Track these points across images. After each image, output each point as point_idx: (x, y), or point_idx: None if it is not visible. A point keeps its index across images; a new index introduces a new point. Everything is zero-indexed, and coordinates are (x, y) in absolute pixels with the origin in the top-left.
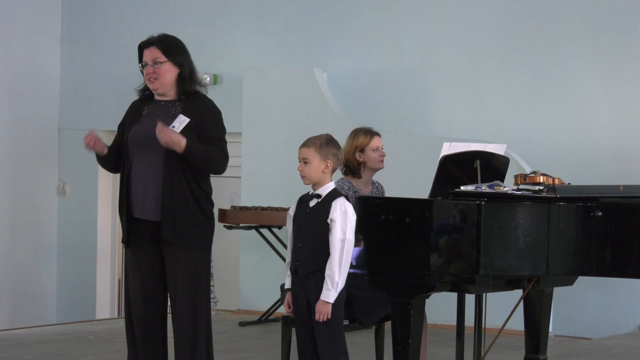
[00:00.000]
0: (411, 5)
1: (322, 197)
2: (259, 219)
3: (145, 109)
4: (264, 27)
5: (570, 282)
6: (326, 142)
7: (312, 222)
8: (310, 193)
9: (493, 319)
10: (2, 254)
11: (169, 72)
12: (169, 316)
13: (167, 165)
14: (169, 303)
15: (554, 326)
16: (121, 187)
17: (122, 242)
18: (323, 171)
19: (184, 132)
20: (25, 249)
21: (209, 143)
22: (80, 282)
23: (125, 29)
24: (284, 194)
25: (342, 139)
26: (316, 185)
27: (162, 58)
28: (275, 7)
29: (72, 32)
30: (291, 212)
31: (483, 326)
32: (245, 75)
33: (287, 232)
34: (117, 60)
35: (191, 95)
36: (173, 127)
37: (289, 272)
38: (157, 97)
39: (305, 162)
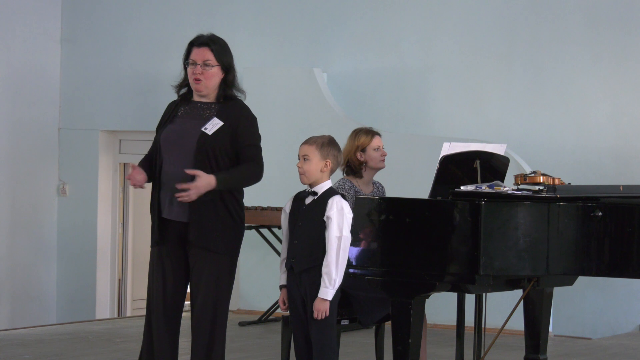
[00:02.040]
0: (411, 5)
1: (319, 194)
2: (259, 219)
3: (181, 109)
4: (264, 27)
5: (570, 282)
6: (328, 143)
7: (308, 219)
8: (306, 190)
9: (493, 318)
10: (2, 254)
11: (216, 76)
12: (183, 315)
13: (196, 166)
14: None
15: (554, 326)
16: (153, 187)
17: (152, 241)
18: (322, 170)
19: (216, 134)
20: (25, 248)
21: (243, 150)
22: (80, 282)
23: (125, 29)
24: (284, 194)
25: (342, 139)
26: (313, 183)
27: (214, 62)
28: (275, 7)
29: (72, 33)
30: (287, 208)
31: (483, 326)
32: (245, 75)
33: (282, 229)
34: (117, 60)
35: (229, 100)
36: (205, 129)
37: (283, 269)
38: (195, 98)
39: (305, 159)
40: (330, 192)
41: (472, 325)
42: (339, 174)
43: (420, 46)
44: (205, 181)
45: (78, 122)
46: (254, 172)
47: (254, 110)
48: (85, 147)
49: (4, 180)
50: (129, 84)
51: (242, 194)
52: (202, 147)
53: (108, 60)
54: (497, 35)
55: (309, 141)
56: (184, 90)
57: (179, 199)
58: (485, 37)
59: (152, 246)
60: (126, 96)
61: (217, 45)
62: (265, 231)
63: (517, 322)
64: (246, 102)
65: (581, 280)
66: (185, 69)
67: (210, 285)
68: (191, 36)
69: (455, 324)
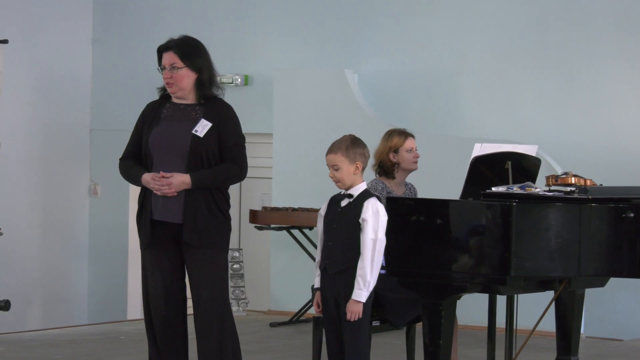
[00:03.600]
0: (442, 6)
1: (354, 197)
2: (290, 220)
3: (163, 111)
4: (295, 28)
5: (601, 284)
6: (351, 144)
7: (343, 221)
8: (342, 193)
9: (524, 320)
10: (34, 255)
11: (186, 78)
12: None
13: (189, 169)
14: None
15: (586, 327)
16: (144, 189)
17: (143, 244)
18: (354, 173)
19: (207, 135)
20: (56, 249)
21: (228, 150)
22: (111, 283)
23: (156, 30)
24: (314, 195)
25: (373, 140)
26: (349, 186)
27: (180, 64)
28: (306, 8)
29: (104, 33)
30: (322, 212)
31: (514, 327)
32: (276, 76)
33: (317, 232)
34: (148, 61)
35: (210, 100)
36: (196, 131)
37: (318, 272)
38: (175, 100)
39: (335, 169)
40: (365, 195)
41: (504, 326)
42: (371, 174)
43: (451, 47)
44: (179, 179)
45: (109, 122)
46: (233, 173)
47: (285, 111)
48: (116, 148)
49: (36, 181)
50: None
51: (228, 193)
52: (195, 149)
53: (139, 60)
54: (528, 35)
55: (333, 149)
56: (166, 92)
57: (155, 191)
58: (516, 38)
59: (143, 249)
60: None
61: (182, 48)
62: (296, 232)
63: (549, 324)
64: (277, 103)
65: (613, 281)
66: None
67: (213, 282)
68: (222, 37)
69: (486, 325)
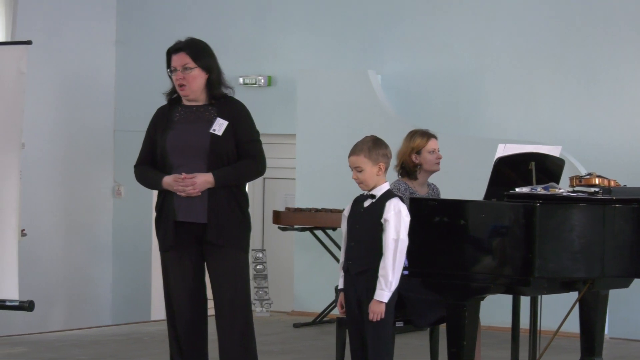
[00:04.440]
0: (464, 6)
1: (377, 197)
2: (313, 221)
3: (175, 114)
4: (318, 29)
5: (625, 285)
6: (373, 145)
7: (365, 221)
8: (365, 194)
9: (548, 321)
10: (58, 255)
11: (199, 78)
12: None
13: (210, 168)
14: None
15: (610, 328)
16: (164, 192)
17: (164, 246)
18: (377, 174)
19: (225, 134)
20: (80, 250)
21: (245, 146)
22: (135, 283)
23: (179, 31)
24: (338, 196)
25: (396, 141)
26: (372, 187)
27: (192, 64)
28: (329, 9)
29: (127, 35)
30: (345, 213)
31: (538, 328)
32: (300, 77)
33: (341, 233)
34: None
35: (221, 99)
36: (214, 130)
37: (342, 272)
38: (186, 102)
39: (358, 170)
40: (388, 195)
41: (527, 327)
42: (394, 174)
43: (474, 47)
44: (202, 178)
45: (133, 123)
46: (253, 169)
47: (309, 112)
48: (139, 149)
49: (60, 181)
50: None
51: (247, 192)
52: (216, 148)
53: (162, 61)
54: (550, 36)
55: (355, 151)
56: (174, 96)
57: (179, 193)
58: (539, 38)
59: (164, 251)
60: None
61: (193, 48)
62: (319, 233)
63: (573, 325)
64: (300, 104)
65: (637, 282)
66: (170, 77)
67: (235, 281)
68: (245, 38)
69: (510, 326)
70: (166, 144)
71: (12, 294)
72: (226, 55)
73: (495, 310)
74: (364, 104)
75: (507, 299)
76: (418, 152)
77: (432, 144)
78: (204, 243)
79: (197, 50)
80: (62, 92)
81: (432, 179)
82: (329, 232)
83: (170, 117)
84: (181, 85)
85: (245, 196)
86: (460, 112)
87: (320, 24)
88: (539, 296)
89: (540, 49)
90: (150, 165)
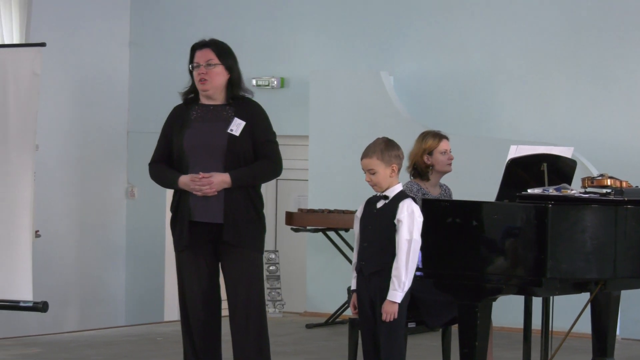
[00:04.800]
0: (477, 7)
1: (390, 198)
2: (326, 222)
3: (193, 113)
4: (331, 31)
5: (637, 285)
6: (385, 147)
7: (378, 222)
8: (377, 195)
9: (560, 321)
10: (72, 256)
11: (221, 76)
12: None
13: (227, 168)
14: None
15: (621, 329)
16: (179, 192)
17: (180, 246)
18: (390, 175)
19: (242, 134)
20: (94, 251)
21: (262, 147)
22: (148, 284)
23: (192, 32)
24: (350, 197)
25: (408, 142)
26: (385, 188)
27: (216, 60)
28: (341, 10)
29: (140, 36)
30: (358, 214)
31: (550, 329)
32: (312, 78)
33: (353, 234)
34: (184, 64)
35: (239, 99)
36: (231, 130)
37: (354, 273)
38: (204, 101)
39: (372, 173)
40: (401, 196)
41: (539, 328)
42: (406, 175)
43: (487, 48)
44: (219, 178)
45: (146, 125)
46: (270, 169)
47: (321, 113)
48: (153, 151)
49: (74, 182)
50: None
51: (261, 193)
52: (233, 148)
53: (176, 63)
54: (563, 36)
55: (367, 154)
56: (191, 96)
57: (195, 192)
58: (552, 39)
59: (179, 251)
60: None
61: (218, 46)
62: (332, 234)
63: (585, 325)
64: (313, 105)
65: None
66: (191, 74)
67: (251, 282)
68: (258, 40)
69: (522, 326)
70: (183, 143)
71: (26, 295)
72: (239, 57)
73: (507, 310)
74: (377, 105)
75: (519, 299)
76: (430, 153)
77: (444, 145)
78: (220, 243)
79: (222, 49)
80: (76, 93)
81: (444, 180)
82: (342, 233)
83: (187, 115)
84: (202, 80)
85: (260, 197)
86: (473, 113)
87: (333, 25)
88: (551, 297)
89: (554, 50)
90: (166, 163)
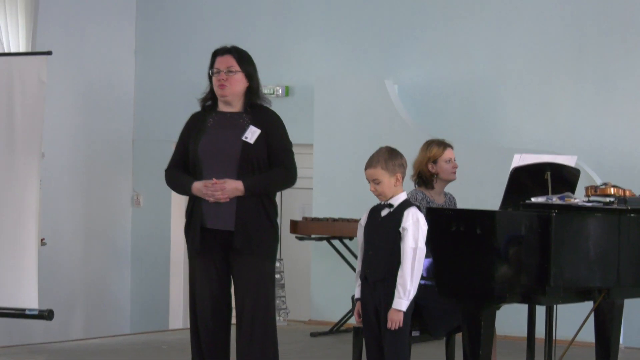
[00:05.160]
0: (481, 16)
1: (394, 206)
2: (330, 230)
3: (209, 120)
4: (335, 39)
5: None
6: (389, 156)
7: (383, 230)
8: (382, 203)
9: (564, 330)
10: (77, 264)
11: (240, 83)
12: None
13: (240, 175)
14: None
15: (625, 338)
16: (194, 198)
17: (192, 252)
18: (395, 184)
19: (257, 142)
20: (99, 258)
21: (277, 155)
22: (153, 292)
23: (197, 40)
24: (355, 205)
25: (412, 150)
26: (390, 197)
27: (236, 67)
28: (346, 19)
29: (146, 44)
30: (362, 222)
31: (554, 337)
32: (317, 85)
33: (358, 243)
34: (190, 72)
35: (256, 108)
36: (246, 137)
37: (358, 282)
38: (222, 108)
39: (376, 182)
40: (406, 204)
41: (543, 336)
42: (410, 184)
43: (490, 57)
44: (232, 185)
45: (152, 133)
46: (284, 177)
47: (326, 121)
48: (159, 158)
49: (80, 190)
50: (201, 95)
51: (276, 201)
52: (247, 156)
53: (181, 71)
54: (567, 45)
55: (372, 164)
56: (209, 103)
57: (207, 198)
58: (556, 47)
59: (192, 257)
60: (198, 107)
61: (239, 53)
62: (336, 242)
63: (588, 334)
64: (317, 113)
65: None
66: (210, 79)
67: (259, 289)
68: (263, 48)
69: (525, 335)
70: (198, 149)
71: (32, 303)
72: None
73: (511, 319)
74: (381, 113)
75: (523, 307)
76: (434, 162)
77: (448, 154)
78: (231, 250)
79: (243, 57)
80: (82, 101)
81: (449, 188)
82: (346, 241)
83: (204, 122)
84: (222, 86)
85: (274, 205)
86: (477, 121)
87: (338, 34)
88: (555, 305)
89: (558, 58)
90: (181, 169)
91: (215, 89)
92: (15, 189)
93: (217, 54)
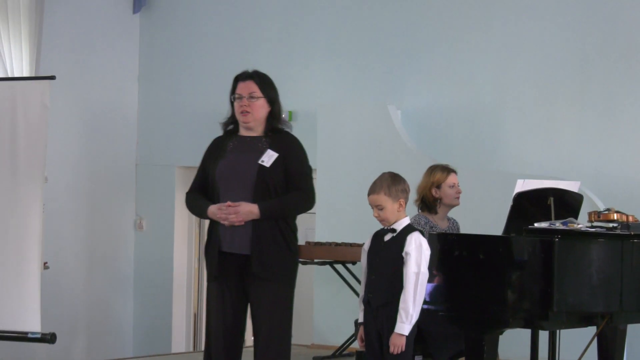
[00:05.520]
0: (484, 41)
1: (397, 231)
2: (333, 255)
3: (229, 144)
4: (338, 64)
5: None
6: (392, 182)
7: (386, 255)
8: (385, 228)
9: (567, 354)
10: (80, 287)
11: (262, 109)
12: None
13: (256, 199)
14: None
15: None
16: (212, 222)
17: (209, 276)
18: (398, 210)
19: (273, 166)
20: (102, 282)
21: (295, 179)
22: (156, 316)
23: (201, 67)
24: (358, 230)
25: (416, 175)
26: (393, 222)
27: (258, 93)
28: (349, 44)
29: (149, 70)
30: (365, 247)
31: None
32: (320, 111)
33: (360, 267)
34: (193, 97)
35: (277, 132)
36: (262, 161)
37: (362, 306)
38: (243, 133)
39: (380, 208)
40: (409, 229)
41: None
42: (414, 209)
43: (494, 82)
44: (246, 208)
45: (155, 158)
46: (301, 201)
47: (329, 146)
48: (162, 183)
49: (82, 214)
50: (205, 120)
51: (296, 227)
52: (262, 179)
53: (184, 96)
54: (570, 71)
55: (375, 190)
56: (230, 127)
57: (222, 221)
58: (559, 73)
59: (210, 281)
60: (202, 132)
61: (261, 79)
62: (339, 267)
63: (591, 358)
64: (320, 139)
65: None
66: (232, 104)
67: (275, 315)
68: (265, 72)
69: (529, 359)
70: (216, 173)
71: (34, 326)
72: None
73: (514, 343)
74: (384, 138)
75: (526, 332)
76: (438, 187)
77: (452, 179)
78: (247, 275)
79: (264, 82)
80: (85, 126)
81: (452, 213)
82: (349, 266)
83: (224, 146)
84: (244, 113)
85: (292, 229)
86: (481, 146)
87: (341, 59)
88: (558, 330)
89: (560, 84)
90: (202, 193)
91: (237, 115)
92: (19, 213)
93: (238, 79)
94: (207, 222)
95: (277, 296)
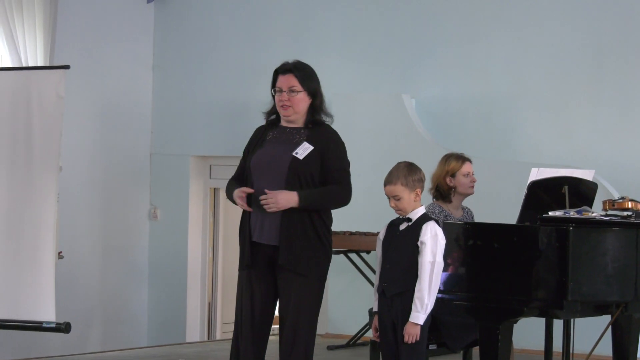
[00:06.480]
0: (499, 31)
1: (413, 220)
2: (348, 244)
3: (269, 134)
4: (352, 53)
5: None
6: (409, 172)
7: (401, 244)
8: (400, 217)
9: (581, 343)
10: (95, 277)
11: (303, 102)
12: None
13: (288, 189)
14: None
15: None
16: (245, 211)
17: (241, 265)
18: (415, 200)
19: (307, 159)
20: (117, 272)
21: (331, 173)
22: (171, 305)
23: (214, 55)
24: (372, 219)
25: (430, 164)
26: (409, 212)
27: (299, 87)
28: (364, 33)
29: (164, 59)
30: (381, 236)
31: (571, 351)
32: (334, 100)
33: (375, 256)
34: (207, 86)
35: (317, 125)
36: (296, 153)
37: (376, 295)
38: (283, 123)
39: (397, 199)
40: (424, 218)
41: (560, 350)
42: (428, 198)
43: (508, 72)
44: (286, 195)
45: (169, 147)
46: (339, 195)
47: (342, 135)
48: (176, 172)
49: (97, 203)
50: (219, 110)
51: (330, 219)
52: (294, 171)
53: (198, 86)
54: (585, 59)
55: (391, 180)
56: (272, 117)
57: (263, 206)
58: (574, 62)
59: (241, 269)
60: (216, 122)
61: (301, 72)
62: (353, 256)
63: (606, 348)
64: (334, 127)
65: None
66: (273, 96)
67: (301, 309)
68: (279, 62)
69: (543, 348)
70: (251, 161)
71: (49, 315)
72: (262, 81)
73: (528, 332)
74: (399, 128)
75: (540, 321)
76: (453, 175)
77: (466, 168)
78: (277, 267)
79: (305, 74)
80: (99, 115)
81: (467, 202)
82: (363, 255)
83: (264, 136)
84: (285, 107)
85: (324, 221)
86: (495, 135)
87: (355, 49)
88: (572, 319)
89: (575, 73)
90: (239, 181)
91: (278, 108)
92: (34, 203)
93: (278, 72)
94: (222, 212)
95: (305, 290)
